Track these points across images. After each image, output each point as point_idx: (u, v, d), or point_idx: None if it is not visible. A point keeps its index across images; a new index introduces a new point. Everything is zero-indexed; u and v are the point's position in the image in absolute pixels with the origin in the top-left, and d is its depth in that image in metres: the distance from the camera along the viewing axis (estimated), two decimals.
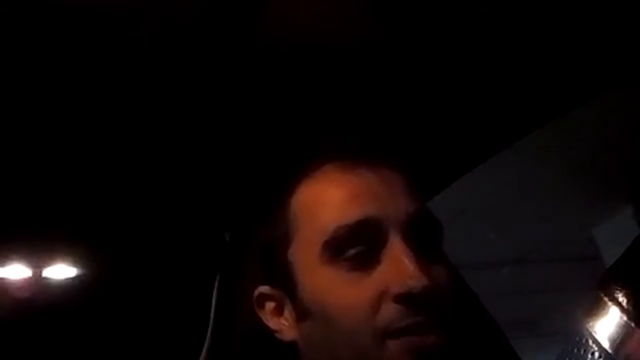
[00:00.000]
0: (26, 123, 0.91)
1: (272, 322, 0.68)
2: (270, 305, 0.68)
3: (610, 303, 0.65)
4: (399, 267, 0.60)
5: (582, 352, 0.65)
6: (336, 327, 0.62)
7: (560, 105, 0.95)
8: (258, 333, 0.69)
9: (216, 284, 0.91)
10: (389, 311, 0.60)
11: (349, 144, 0.70)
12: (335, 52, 0.83)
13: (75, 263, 1.45)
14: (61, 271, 1.72)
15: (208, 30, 0.80)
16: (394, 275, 0.60)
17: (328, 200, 0.65)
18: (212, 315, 0.89)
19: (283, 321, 0.67)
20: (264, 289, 0.69)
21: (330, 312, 0.62)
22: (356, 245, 0.62)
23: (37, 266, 1.89)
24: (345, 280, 0.62)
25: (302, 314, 0.65)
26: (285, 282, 0.66)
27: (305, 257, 0.65)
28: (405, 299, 0.59)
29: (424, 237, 0.63)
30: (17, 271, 1.79)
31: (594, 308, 0.66)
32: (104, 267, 1.23)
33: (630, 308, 0.64)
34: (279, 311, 0.68)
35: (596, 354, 0.64)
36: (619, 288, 0.65)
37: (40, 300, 1.77)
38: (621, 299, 0.64)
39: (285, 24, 0.80)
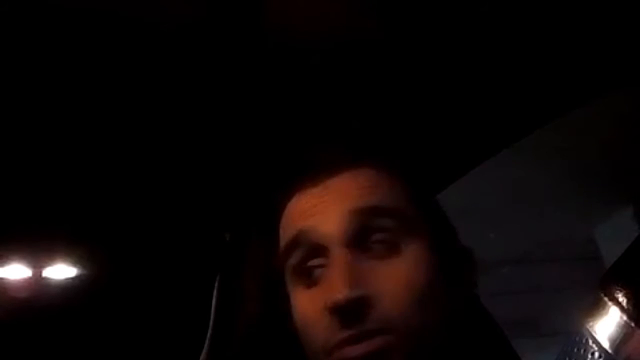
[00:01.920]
0: (26, 123, 0.91)
1: None
2: None
3: (610, 303, 0.65)
4: (330, 279, 0.59)
5: (582, 352, 0.65)
6: (305, 345, 0.62)
7: (560, 105, 0.95)
8: (258, 334, 0.69)
9: (216, 284, 0.91)
10: (327, 325, 0.59)
11: (312, 157, 0.68)
12: (335, 52, 0.83)
13: (75, 263, 1.45)
14: (61, 271, 1.72)
15: (207, 31, 0.80)
16: (327, 288, 0.59)
17: (284, 220, 0.66)
18: (212, 315, 0.89)
19: None
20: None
21: (299, 330, 0.63)
22: (305, 261, 0.62)
23: (37, 266, 1.88)
24: (303, 297, 0.63)
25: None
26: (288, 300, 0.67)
27: (286, 278, 0.66)
28: (334, 312, 0.58)
29: (374, 235, 0.61)
30: (17, 271, 1.79)
31: (594, 308, 0.66)
32: (104, 267, 1.23)
33: (630, 308, 0.63)
34: None
35: (596, 354, 0.64)
36: (619, 288, 0.65)
37: (40, 300, 1.77)
38: (621, 299, 0.64)
39: (285, 23, 0.80)
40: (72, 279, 1.51)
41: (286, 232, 0.65)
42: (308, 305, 0.62)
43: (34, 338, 1.36)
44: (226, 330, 0.86)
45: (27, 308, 1.66)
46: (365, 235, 0.61)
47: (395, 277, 0.60)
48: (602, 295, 0.65)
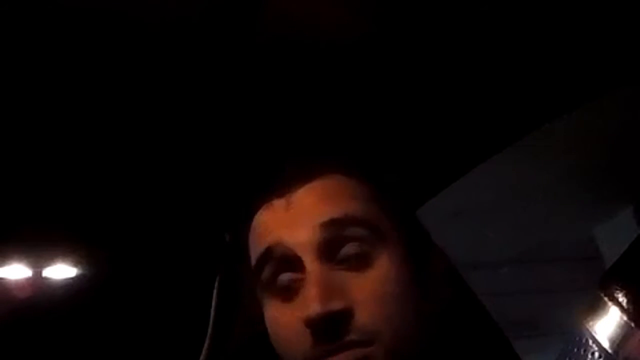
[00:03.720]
0: (26, 123, 0.91)
1: None
2: None
3: (610, 303, 0.65)
4: (305, 294, 0.59)
5: (582, 352, 0.65)
6: (282, 358, 0.62)
7: (560, 106, 0.95)
8: (257, 334, 0.69)
9: (216, 284, 0.92)
10: (305, 339, 0.59)
11: (276, 170, 0.68)
12: (331, 49, 0.83)
13: (75, 263, 1.45)
14: (61, 271, 1.72)
15: (207, 30, 0.80)
16: (302, 303, 0.59)
17: (252, 236, 0.66)
18: (211, 315, 0.89)
19: None
20: None
21: (274, 344, 0.63)
22: (278, 274, 0.62)
23: (37, 266, 1.89)
24: (278, 311, 0.63)
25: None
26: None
27: (258, 294, 0.66)
28: (310, 328, 0.58)
29: (346, 245, 0.61)
30: (17, 271, 1.79)
31: (594, 308, 0.66)
32: (104, 267, 1.23)
33: (630, 308, 0.64)
34: None
35: (596, 354, 0.64)
36: (619, 288, 0.65)
37: (40, 300, 1.77)
38: (621, 299, 0.64)
39: (284, 21, 0.80)
40: (72, 279, 1.51)
41: (256, 248, 0.64)
42: (283, 319, 0.62)
43: (34, 338, 1.36)
44: (226, 330, 0.86)
45: (27, 308, 1.66)
46: (337, 246, 0.61)
47: (369, 289, 0.60)
48: (602, 295, 0.66)
